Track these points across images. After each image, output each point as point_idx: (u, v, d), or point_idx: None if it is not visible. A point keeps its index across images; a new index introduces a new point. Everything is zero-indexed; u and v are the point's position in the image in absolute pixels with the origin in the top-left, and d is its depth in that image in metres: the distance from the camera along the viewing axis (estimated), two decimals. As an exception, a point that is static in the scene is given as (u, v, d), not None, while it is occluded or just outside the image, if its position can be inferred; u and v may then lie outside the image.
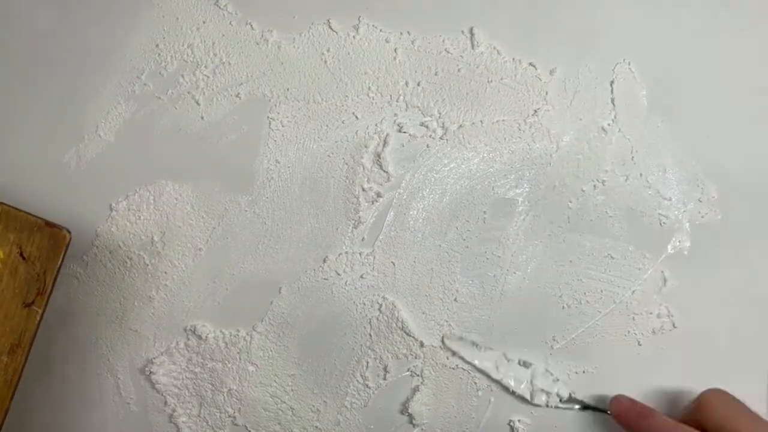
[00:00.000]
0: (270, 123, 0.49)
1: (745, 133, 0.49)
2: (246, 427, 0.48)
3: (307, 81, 0.49)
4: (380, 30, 0.50)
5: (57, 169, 0.49)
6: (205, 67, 0.50)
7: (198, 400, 0.48)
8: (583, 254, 0.48)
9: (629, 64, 0.50)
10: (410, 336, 0.47)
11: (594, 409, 0.47)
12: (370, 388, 0.48)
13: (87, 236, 0.49)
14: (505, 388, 0.47)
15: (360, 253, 0.48)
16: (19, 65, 0.51)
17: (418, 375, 0.47)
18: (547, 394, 0.46)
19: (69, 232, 0.41)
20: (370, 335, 0.48)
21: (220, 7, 0.50)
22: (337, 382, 0.48)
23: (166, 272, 0.48)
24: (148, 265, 0.48)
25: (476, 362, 0.47)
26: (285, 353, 0.48)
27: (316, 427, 0.48)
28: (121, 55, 0.50)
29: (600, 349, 0.47)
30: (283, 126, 0.49)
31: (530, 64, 0.50)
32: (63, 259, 0.41)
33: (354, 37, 0.50)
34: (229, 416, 0.48)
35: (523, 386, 0.46)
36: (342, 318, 0.48)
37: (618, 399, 0.46)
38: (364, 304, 0.48)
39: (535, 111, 0.49)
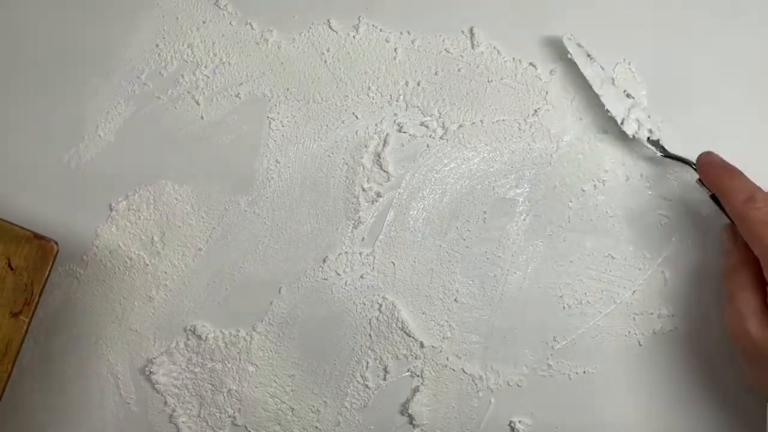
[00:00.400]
0: (270, 123, 0.49)
1: (745, 133, 0.49)
2: (246, 428, 0.48)
3: (307, 81, 0.49)
4: (380, 30, 0.50)
5: (57, 169, 0.49)
6: (205, 67, 0.50)
7: (198, 400, 0.48)
8: (584, 254, 0.48)
9: (629, 64, 0.50)
10: (410, 336, 0.47)
11: (679, 159, 0.46)
12: (370, 388, 0.48)
13: (87, 236, 0.49)
14: (511, 387, 0.47)
15: (360, 253, 0.48)
16: (18, 65, 0.51)
17: (418, 375, 0.47)
18: (639, 125, 0.46)
19: (56, 244, 0.42)
20: (370, 335, 0.48)
21: (220, 7, 0.50)
22: (337, 383, 0.48)
23: (166, 272, 0.48)
24: (148, 265, 0.48)
25: (585, 70, 0.47)
26: (285, 353, 0.48)
27: (316, 427, 0.48)
28: (120, 55, 0.50)
29: (601, 350, 0.47)
30: (283, 126, 0.49)
31: (530, 64, 0.50)
32: (50, 270, 0.42)
33: (354, 36, 0.50)
34: (229, 416, 0.48)
35: (618, 109, 0.46)
36: (342, 318, 0.48)
37: (708, 153, 0.45)
38: (364, 304, 0.48)
39: (536, 111, 0.49)
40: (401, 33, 0.50)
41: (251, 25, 0.50)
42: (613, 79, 0.47)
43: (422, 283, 0.48)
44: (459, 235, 0.48)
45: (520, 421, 0.47)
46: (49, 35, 0.51)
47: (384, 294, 0.48)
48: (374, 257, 0.48)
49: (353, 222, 0.48)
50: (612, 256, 0.48)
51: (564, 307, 0.48)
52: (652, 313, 0.48)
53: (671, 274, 0.48)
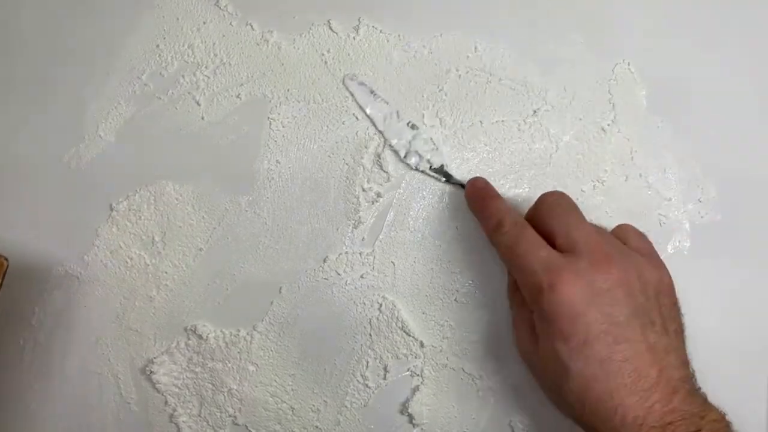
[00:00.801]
0: (270, 123, 0.49)
1: (745, 133, 0.50)
2: (246, 427, 0.48)
3: (308, 82, 0.50)
4: (380, 31, 0.50)
5: (57, 169, 0.49)
6: (206, 67, 0.50)
7: (198, 399, 0.48)
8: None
9: (629, 64, 0.50)
10: (410, 336, 0.47)
11: (456, 183, 0.47)
12: (370, 387, 0.48)
13: (87, 236, 0.49)
14: (511, 387, 0.47)
15: (360, 253, 0.48)
16: (18, 65, 0.51)
17: (418, 375, 0.48)
18: (420, 157, 0.47)
19: (6, 260, 0.41)
20: (370, 335, 0.48)
21: (220, 8, 0.50)
22: (338, 382, 0.48)
23: (166, 272, 0.49)
24: (148, 265, 0.49)
25: (367, 109, 0.47)
26: (285, 353, 0.48)
27: (317, 426, 0.48)
28: (121, 56, 0.50)
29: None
30: (283, 126, 0.49)
31: (530, 63, 0.50)
32: (0, 284, 0.41)
33: (354, 38, 0.50)
34: (230, 416, 0.48)
35: (400, 143, 0.47)
36: (342, 318, 0.48)
37: (473, 180, 0.46)
38: (364, 304, 0.48)
39: (535, 111, 0.49)
40: (401, 34, 0.50)
41: (252, 26, 0.50)
42: (397, 113, 0.48)
43: (422, 283, 0.48)
44: (459, 234, 0.48)
45: (520, 421, 0.47)
46: (49, 35, 0.51)
47: (384, 294, 0.48)
48: (374, 257, 0.48)
49: (353, 222, 0.48)
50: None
51: (564, 307, 0.48)
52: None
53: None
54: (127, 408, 0.48)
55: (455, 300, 0.48)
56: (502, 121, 0.49)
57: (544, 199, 0.42)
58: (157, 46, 0.50)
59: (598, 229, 0.41)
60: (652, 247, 0.43)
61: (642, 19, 0.51)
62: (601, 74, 0.50)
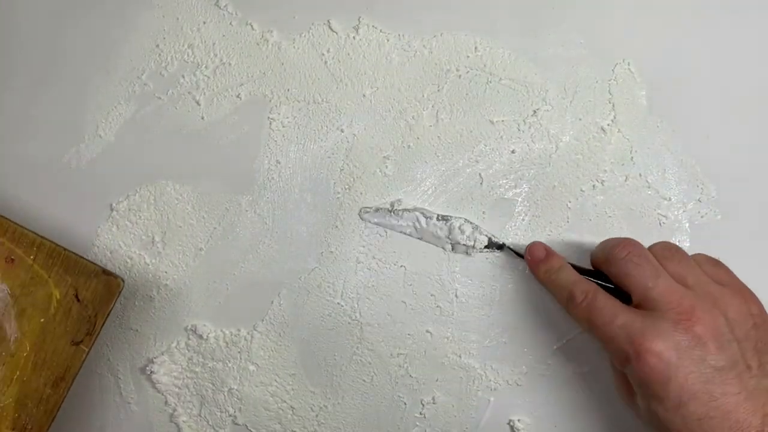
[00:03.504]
0: (270, 123, 0.49)
1: (745, 133, 0.50)
2: (247, 427, 0.48)
3: (308, 81, 0.50)
4: (380, 31, 0.50)
5: (57, 169, 0.49)
6: (206, 67, 0.50)
7: (198, 399, 0.48)
8: (583, 254, 0.48)
9: (629, 64, 0.50)
10: (410, 334, 0.48)
11: (514, 252, 0.47)
12: (370, 387, 0.48)
13: (87, 236, 0.49)
14: (510, 386, 0.47)
15: (360, 252, 0.48)
16: (18, 65, 0.51)
17: (418, 375, 0.48)
18: (467, 246, 0.47)
19: (123, 281, 0.44)
20: (371, 334, 0.48)
21: (220, 8, 0.50)
22: (339, 381, 0.48)
23: (166, 272, 0.49)
24: (148, 264, 0.49)
25: (394, 229, 0.47)
26: (285, 352, 0.48)
27: (316, 426, 0.48)
28: (121, 55, 0.50)
29: (600, 349, 0.47)
30: (283, 126, 0.49)
31: (530, 63, 0.50)
32: (114, 304, 0.44)
33: (354, 37, 0.50)
34: (230, 416, 0.48)
35: (440, 241, 0.47)
36: (342, 317, 0.48)
37: (535, 245, 0.45)
38: (365, 302, 0.48)
39: (535, 111, 0.49)
40: (401, 34, 0.50)
41: (252, 26, 0.50)
42: (423, 215, 0.47)
43: (421, 281, 0.48)
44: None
45: (519, 420, 0.47)
46: (49, 35, 0.51)
47: (384, 292, 0.48)
48: (374, 256, 0.48)
49: (353, 221, 0.48)
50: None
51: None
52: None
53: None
54: (127, 408, 0.48)
55: (455, 297, 0.48)
56: (502, 120, 0.49)
57: (614, 253, 0.41)
58: (157, 45, 0.50)
59: (675, 271, 0.39)
60: (730, 272, 0.41)
61: (642, 19, 0.51)
62: (601, 74, 0.50)
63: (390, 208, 0.47)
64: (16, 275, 0.43)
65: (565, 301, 0.42)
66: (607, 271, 0.42)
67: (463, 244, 0.46)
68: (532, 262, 0.45)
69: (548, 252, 0.45)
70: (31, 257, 0.44)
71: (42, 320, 0.43)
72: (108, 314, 0.44)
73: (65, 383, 0.43)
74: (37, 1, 0.52)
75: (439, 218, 0.47)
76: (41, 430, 0.43)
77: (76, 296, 0.44)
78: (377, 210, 0.47)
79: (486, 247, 0.46)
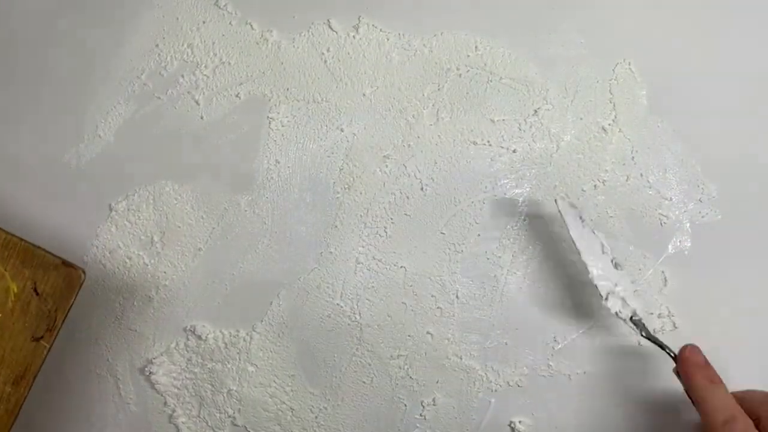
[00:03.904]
0: (270, 123, 0.49)
1: (745, 132, 0.49)
2: (246, 428, 0.48)
3: (307, 81, 0.49)
4: (380, 30, 0.50)
5: (57, 169, 0.49)
6: (205, 67, 0.50)
7: (198, 400, 0.48)
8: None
9: (629, 64, 0.50)
10: (411, 336, 0.47)
11: (660, 345, 0.43)
12: (370, 388, 0.47)
13: (87, 236, 0.49)
14: (512, 388, 0.47)
15: (359, 253, 0.48)
16: (19, 65, 0.51)
17: (418, 376, 0.47)
18: (624, 303, 0.43)
19: (84, 273, 0.42)
20: (371, 335, 0.48)
21: (220, 7, 0.50)
22: (338, 383, 0.48)
23: (165, 272, 0.48)
24: (147, 265, 0.48)
25: (573, 234, 0.44)
26: (284, 353, 0.48)
27: (316, 428, 0.47)
28: (120, 55, 0.50)
29: (601, 350, 0.47)
30: (283, 126, 0.49)
31: (530, 63, 0.50)
32: (75, 297, 0.42)
33: (354, 37, 0.50)
34: (229, 417, 0.48)
35: (603, 283, 0.43)
36: (342, 318, 0.48)
37: (691, 349, 0.43)
38: (365, 303, 0.48)
39: (536, 111, 0.49)
40: (402, 33, 0.50)
41: (251, 25, 0.50)
42: (603, 245, 0.45)
43: (422, 282, 0.48)
44: (459, 234, 0.48)
45: (520, 421, 0.47)
46: (49, 35, 0.51)
47: (384, 293, 0.48)
48: (373, 257, 0.48)
49: (353, 221, 0.48)
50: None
51: (564, 307, 0.48)
52: (652, 314, 0.47)
53: (671, 274, 0.48)
54: (126, 408, 0.48)
55: (457, 297, 0.48)
56: (503, 120, 0.49)
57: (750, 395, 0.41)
58: (157, 45, 0.50)
59: None
60: None
61: (642, 19, 0.51)
62: (602, 74, 0.50)
63: (580, 215, 0.44)
64: None
65: (720, 422, 0.39)
66: (744, 407, 0.40)
67: (622, 300, 0.43)
68: (688, 364, 0.42)
69: (707, 363, 0.42)
70: None
71: None
72: (69, 308, 0.42)
73: (26, 381, 0.41)
74: (37, 2, 0.52)
75: (614, 262, 0.44)
76: (3, 430, 0.41)
77: (35, 290, 0.41)
78: (572, 206, 0.44)
79: (633, 321, 0.43)
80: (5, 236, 0.41)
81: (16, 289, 0.41)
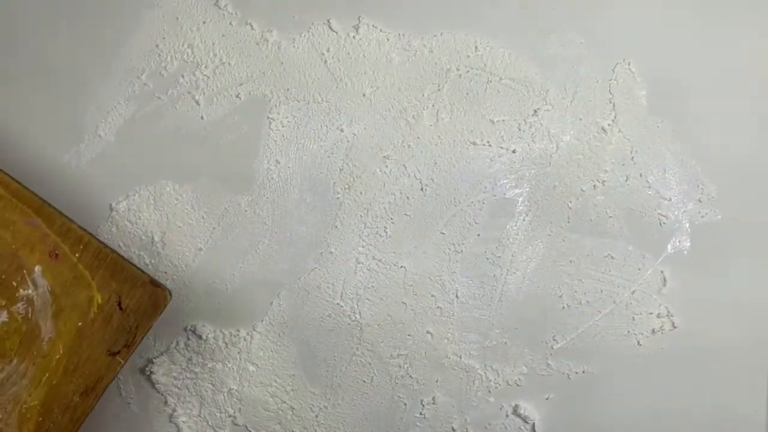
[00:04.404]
0: (270, 123, 0.49)
1: (745, 132, 0.49)
2: (246, 427, 0.48)
3: (307, 81, 0.49)
4: (380, 30, 0.50)
5: (57, 169, 0.49)
6: (205, 67, 0.50)
7: (198, 400, 0.48)
8: (583, 254, 0.48)
9: (629, 64, 0.50)
10: (409, 335, 0.47)
11: None
12: (370, 386, 0.48)
13: (87, 236, 0.49)
14: (511, 387, 0.47)
15: (360, 253, 0.48)
16: (19, 65, 0.51)
17: (418, 375, 0.48)
18: None
19: (170, 294, 0.42)
20: (371, 334, 0.48)
21: (220, 8, 0.50)
22: (338, 382, 0.48)
23: (166, 272, 0.48)
24: (148, 265, 0.48)
25: None
26: (285, 353, 0.48)
27: (316, 427, 0.48)
28: (121, 55, 0.50)
29: (600, 349, 0.47)
30: (283, 126, 0.49)
31: (530, 63, 0.50)
32: (158, 318, 0.42)
33: (354, 37, 0.50)
34: (230, 416, 0.48)
35: None
36: (342, 318, 0.48)
37: None
38: (365, 302, 0.48)
39: (535, 111, 0.49)
40: (402, 33, 0.50)
41: (251, 26, 0.50)
42: None
43: (422, 281, 0.48)
44: (459, 234, 0.48)
45: (520, 419, 0.47)
46: (48, 36, 0.51)
47: (385, 293, 0.48)
48: (374, 257, 0.48)
49: (353, 221, 0.48)
50: (612, 256, 0.48)
51: (563, 306, 0.48)
52: (651, 313, 0.48)
53: (671, 274, 0.48)
54: (126, 408, 0.48)
55: (456, 297, 0.48)
56: (503, 120, 0.49)
57: None
58: (157, 45, 0.50)
59: None
60: None
61: (642, 19, 0.51)
62: (602, 74, 0.50)
63: None
64: (59, 272, 0.40)
65: None
66: None
67: None
68: None
69: None
70: (77, 255, 0.41)
71: (79, 324, 0.41)
72: (150, 328, 0.41)
73: (95, 393, 0.41)
74: (37, 2, 0.51)
75: None
76: None
77: (119, 304, 0.41)
78: None
79: None
80: (97, 245, 0.41)
81: (100, 300, 0.41)
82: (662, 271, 0.48)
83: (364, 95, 0.49)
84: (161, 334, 0.48)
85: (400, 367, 0.48)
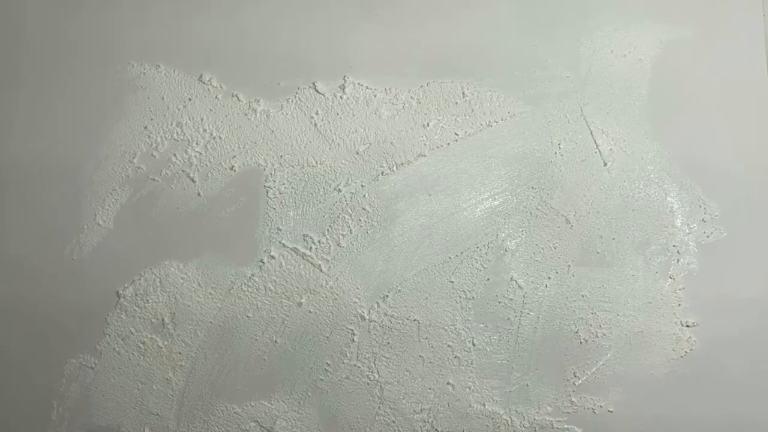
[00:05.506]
0: (267, 192, 0.49)
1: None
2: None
3: (300, 146, 0.49)
4: (366, 87, 0.50)
5: (59, 262, 0.49)
6: (197, 143, 0.50)
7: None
8: (594, 287, 0.48)
9: (619, 89, 0.50)
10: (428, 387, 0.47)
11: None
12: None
13: (97, 325, 0.48)
14: (536, 428, 0.47)
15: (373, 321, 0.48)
16: (8, 164, 0.51)
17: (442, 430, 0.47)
18: None
19: None
20: (391, 392, 0.48)
21: (204, 82, 0.50)
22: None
23: (180, 353, 0.48)
24: (161, 347, 0.48)
25: None
26: (307, 421, 0.48)
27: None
28: (110, 141, 0.50)
29: (620, 380, 0.47)
30: (280, 193, 0.49)
31: (519, 102, 0.50)
32: None
33: (341, 97, 0.50)
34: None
35: None
36: (360, 378, 0.48)
37: None
38: (381, 360, 0.48)
39: (531, 152, 0.49)
40: (388, 88, 0.50)
41: (237, 97, 0.50)
42: None
43: (436, 332, 0.48)
44: (468, 281, 0.48)
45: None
46: (39, 127, 0.51)
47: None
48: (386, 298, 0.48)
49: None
50: (622, 286, 0.48)
51: (580, 342, 0.48)
52: (668, 338, 0.47)
53: (685, 296, 0.48)
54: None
55: (473, 345, 0.48)
56: (499, 165, 0.49)
57: None
58: (145, 127, 0.50)
59: None
60: None
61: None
62: (592, 104, 0.49)
63: None
64: None
65: None
66: None
67: None
68: None
69: None
70: None
71: None
72: None
73: None
74: (24, 97, 0.51)
75: None
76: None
77: None
78: None
79: None
80: None
81: None
82: (676, 294, 0.48)
83: (357, 153, 0.49)
84: (184, 417, 0.48)
85: (424, 422, 0.48)
